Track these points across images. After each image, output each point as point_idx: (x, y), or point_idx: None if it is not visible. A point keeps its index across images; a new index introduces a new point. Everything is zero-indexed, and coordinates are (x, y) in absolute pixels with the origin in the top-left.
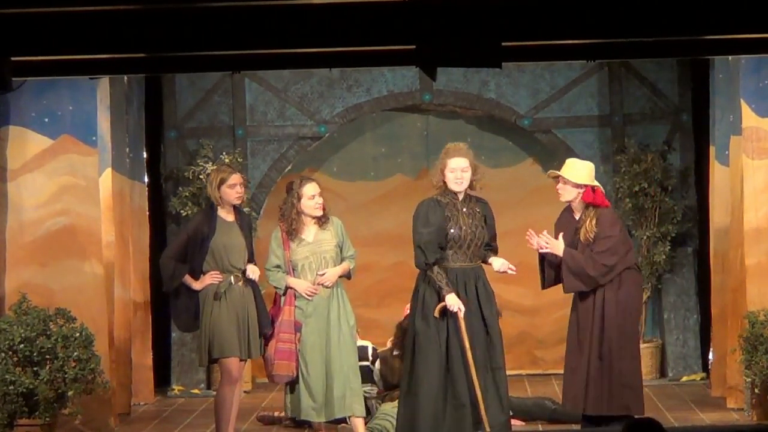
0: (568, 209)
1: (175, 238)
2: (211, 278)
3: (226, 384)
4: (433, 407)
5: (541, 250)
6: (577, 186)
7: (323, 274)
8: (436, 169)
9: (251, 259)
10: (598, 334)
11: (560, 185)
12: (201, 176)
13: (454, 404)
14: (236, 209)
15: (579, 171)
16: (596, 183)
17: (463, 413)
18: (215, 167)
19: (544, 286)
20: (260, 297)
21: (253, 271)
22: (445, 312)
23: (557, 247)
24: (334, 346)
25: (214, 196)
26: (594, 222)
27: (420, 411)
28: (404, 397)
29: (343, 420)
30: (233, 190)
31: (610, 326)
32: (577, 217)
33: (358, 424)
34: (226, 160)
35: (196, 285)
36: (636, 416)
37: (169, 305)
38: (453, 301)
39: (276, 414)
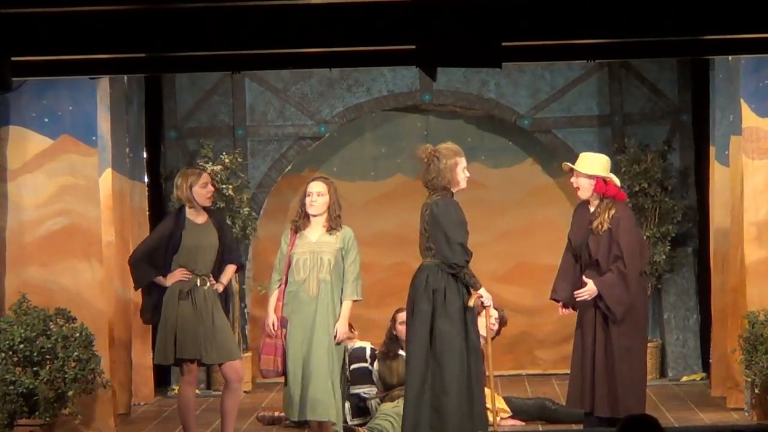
0: (583, 203)
1: (145, 240)
2: (180, 275)
3: (187, 384)
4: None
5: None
6: (590, 177)
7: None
8: (444, 168)
9: (232, 259)
10: (603, 338)
11: (573, 179)
12: None
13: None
14: (207, 210)
15: (590, 162)
16: (610, 175)
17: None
18: (180, 173)
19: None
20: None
21: (219, 284)
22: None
23: (588, 292)
24: (316, 347)
25: (186, 199)
26: (610, 214)
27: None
28: (446, 396)
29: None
30: (205, 189)
31: (616, 330)
32: (591, 210)
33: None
34: (226, 160)
35: (166, 282)
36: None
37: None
38: (488, 294)
39: (276, 414)
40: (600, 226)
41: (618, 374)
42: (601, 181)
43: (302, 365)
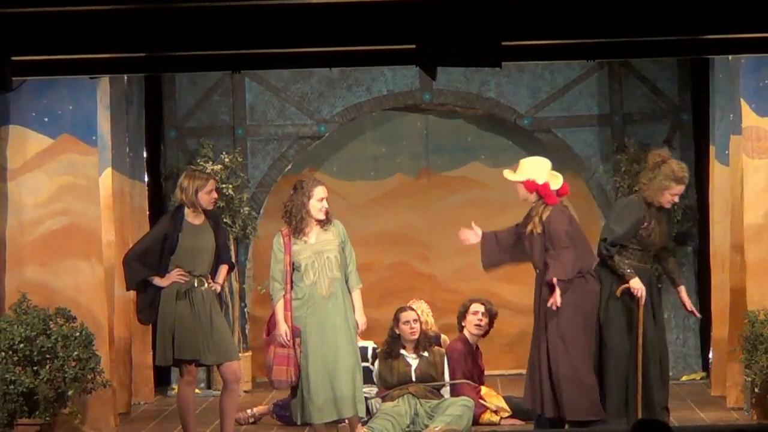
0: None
1: (140, 240)
2: (177, 276)
3: (186, 384)
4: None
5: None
6: (519, 183)
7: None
8: (654, 183)
9: (225, 259)
10: (545, 340)
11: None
12: None
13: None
14: (204, 210)
15: (523, 168)
16: (547, 177)
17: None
18: (187, 174)
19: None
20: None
21: (216, 284)
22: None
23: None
24: (342, 344)
25: (190, 202)
26: (542, 217)
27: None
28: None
29: (342, 420)
30: (210, 195)
31: (553, 334)
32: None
33: (355, 423)
34: (226, 160)
35: (162, 282)
36: (593, 419)
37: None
38: (640, 285)
39: (249, 411)
40: (533, 229)
41: (559, 375)
42: (530, 183)
43: (325, 366)
